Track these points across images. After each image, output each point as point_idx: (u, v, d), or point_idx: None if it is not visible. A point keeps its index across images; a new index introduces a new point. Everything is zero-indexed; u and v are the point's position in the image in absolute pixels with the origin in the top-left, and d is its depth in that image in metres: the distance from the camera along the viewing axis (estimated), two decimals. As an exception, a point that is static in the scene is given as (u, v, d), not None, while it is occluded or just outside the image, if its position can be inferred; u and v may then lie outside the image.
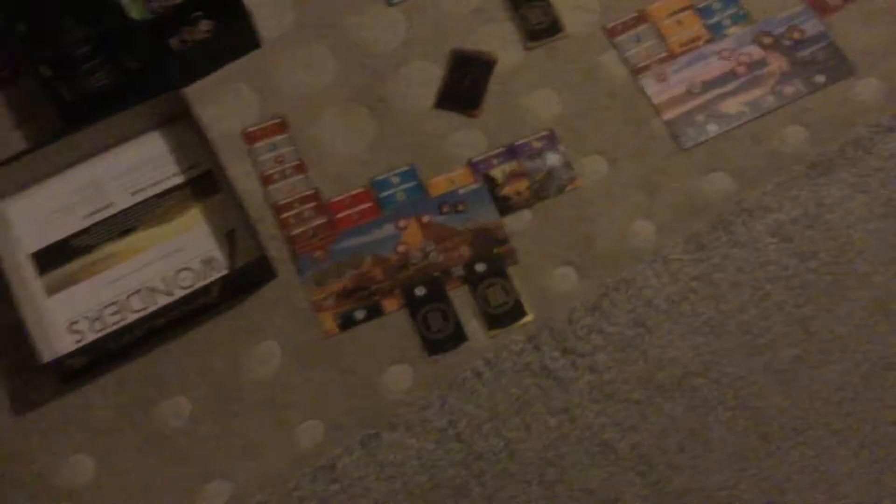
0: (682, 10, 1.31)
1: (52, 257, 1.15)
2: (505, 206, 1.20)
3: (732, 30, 1.29)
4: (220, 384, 1.11)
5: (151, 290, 1.14)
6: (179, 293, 1.12)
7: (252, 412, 1.09)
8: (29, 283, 1.13)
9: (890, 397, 1.06)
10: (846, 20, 1.28)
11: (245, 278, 1.12)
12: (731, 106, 1.24)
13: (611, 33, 1.30)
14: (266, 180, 1.22)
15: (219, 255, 1.16)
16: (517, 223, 1.18)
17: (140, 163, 1.21)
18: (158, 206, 1.19)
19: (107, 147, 1.21)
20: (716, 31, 1.29)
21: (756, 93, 1.25)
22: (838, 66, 1.25)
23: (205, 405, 1.10)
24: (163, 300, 1.12)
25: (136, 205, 1.18)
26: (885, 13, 1.27)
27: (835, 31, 1.27)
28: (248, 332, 1.13)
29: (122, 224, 1.17)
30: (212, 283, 1.09)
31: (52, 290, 1.14)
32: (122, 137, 1.21)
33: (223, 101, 1.26)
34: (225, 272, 1.14)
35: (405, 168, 1.22)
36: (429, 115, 1.25)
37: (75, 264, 1.15)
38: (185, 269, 1.15)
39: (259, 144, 1.24)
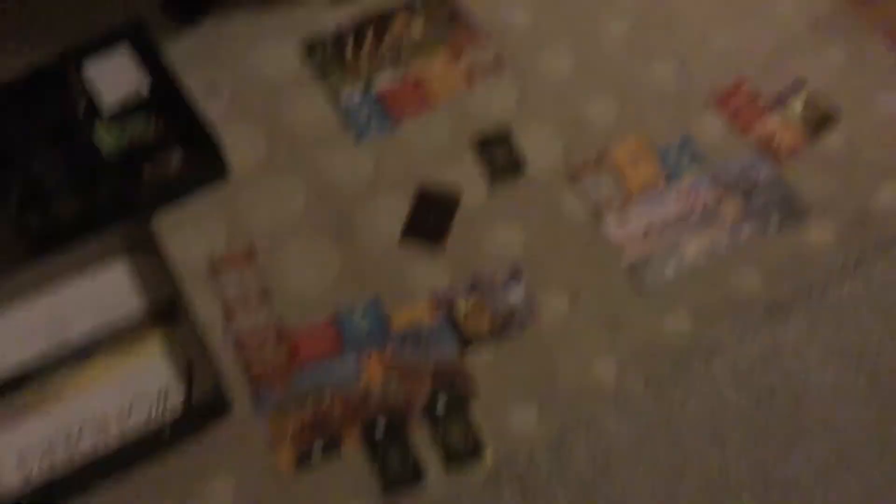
0: (640, 153, 1.36)
1: (4, 387, 1.13)
2: (467, 341, 1.20)
3: (689, 174, 1.34)
4: (170, 523, 1.07)
5: (103, 423, 1.11)
6: (132, 427, 1.10)
7: (202, 554, 1.06)
8: (-21, 414, 1.11)
9: (850, 548, 1.05)
10: (798, 167, 1.33)
11: (200, 413, 1.11)
12: (689, 248, 1.27)
13: (572, 175, 1.34)
14: (229, 311, 1.21)
15: (175, 388, 1.14)
16: (479, 358, 1.19)
17: (103, 292, 1.20)
18: (117, 336, 1.18)
19: (71, 276, 1.20)
20: (673, 175, 1.34)
21: (712, 235, 1.28)
22: (791, 212, 1.29)
23: (153, 545, 1.06)
24: (115, 437, 1.10)
25: (95, 334, 1.17)
26: (836, 160, 1.33)
27: (787, 179, 1.32)
28: (201, 470, 1.10)
29: (79, 354, 1.16)
30: (165, 425, 1.07)
31: (2, 421, 1.11)
32: (86, 266, 1.21)
33: (191, 231, 1.27)
34: (180, 404, 1.12)
35: (369, 300, 1.23)
36: (394, 249, 1.27)
37: (28, 396, 1.13)
38: (139, 402, 1.13)
39: (224, 274, 1.24)
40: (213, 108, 1.38)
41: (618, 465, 1.10)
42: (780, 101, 1.40)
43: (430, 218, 1.30)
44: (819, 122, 1.38)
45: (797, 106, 1.40)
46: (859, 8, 1.50)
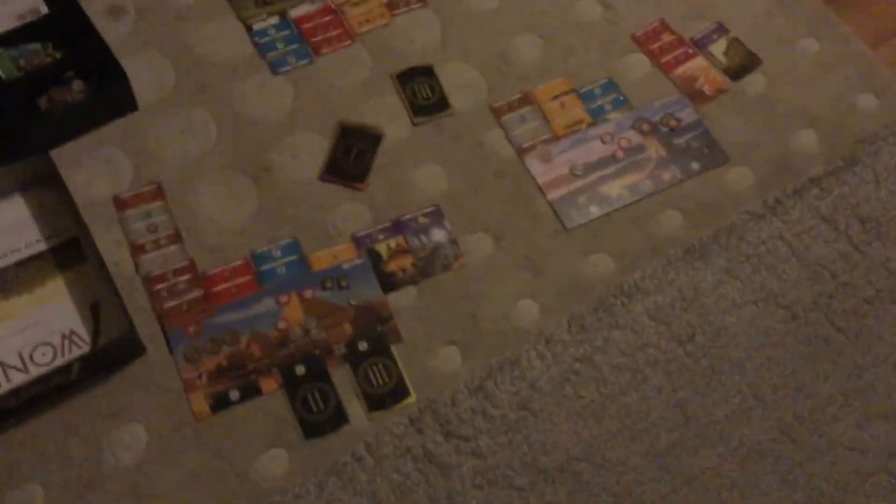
0: (565, 93, 1.34)
1: None
2: (389, 283, 1.17)
3: (613, 115, 1.33)
4: (78, 471, 1.02)
5: (5, 366, 1.05)
6: (36, 371, 1.04)
7: (113, 502, 1.01)
8: None
9: (765, 483, 1.08)
10: (720, 110, 1.33)
11: (109, 356, 1.05)
12: (612, 189, 1.27)
13: (497, 112, 1.32)
14: (137, 250, 1.15)
15: (81, 329, 1.08)
16: (402, 300, 1.16)
17: (1, 228, 1.12)
18: (18, 276, 1.10)
19: (-39, 211, 1.12)
20: (597, 116, 1.33)
21: (635, 177, 1.28)
22: (712, 155, 1.30)
23: (60, 493, 1.01)
24: (17, 378, 1.03)
25: (-8, 274, 1.09)
26: (756, 105, 1.34)
27: (709, 121, 1.32)
28: (111, 415, 1.05)
29: (-27, 295, 1.08)
30: (72, 362, 1.01)
31: None
32: (-21, 201, 1.12)
33: (94, 166, 1.20)
34: (87, 348, 1.06)
35: (287, 241, 1.18)
36: (313, 187, 1.22)
37: (-82, 339, 1.05)
38: (43, 343, 1.07)
39: (131, 212, 1.18)
40: (116, 34, 1.29)
41: (541, 406, 1.10)
42: (703, 45, 1.40)
43: (351, 156, 1.26)
44: (741, 65, 1.39)
45: (720, 49, 1.40)
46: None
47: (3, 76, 1.19)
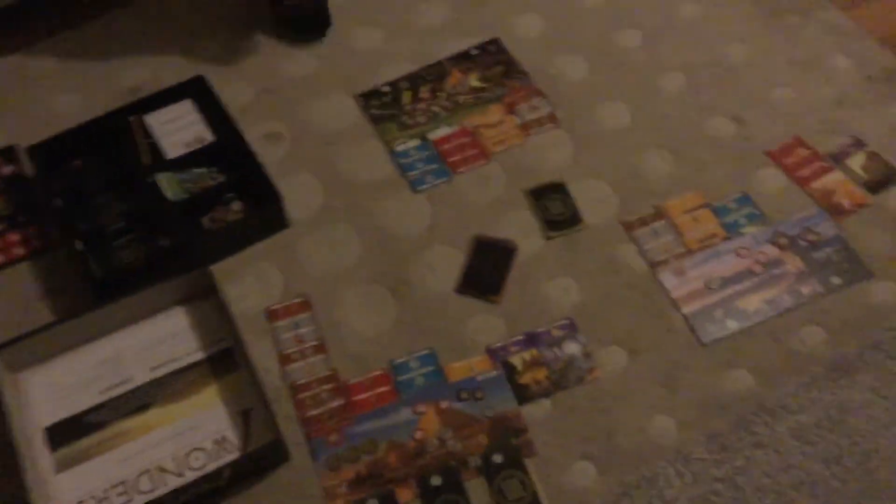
0: (698, 208, 1.35)
1: (65, 432, 1.14)
2: (524, 395, 1.19)
3: (748, 229, 1.32)
4: (224, 573, 1.06)
5: (161, 470, 1.11)
6: (190, 475, 1.10)
7: None
8: (39, 459, 1.11)
9: None
10: (860, 224, 1.31)
11: (258, 461, 1.10)
12: (750, 303, 1.25)
13: (629, 227, 1.34)
14: (285, 360, 1.22)
15: (232, 435, 1.14)
16: (536, 413, 1.17)
17: (162, 338, 1.21)
18: (176, 383, 1.18)
19: (131, 322, 1.21)
20: (732, 230, 1.32)
21: (774, 291, 1.26)
22: (854, 269, 1.27)
23: None
24: (173, 482, 1.10)
25: (154, 381, 1.18)
26: (889, 219, 1.31)
27: (849, 235, 1.30)
28: (257, 519, 1.09)
29: (138, 400, 1.16)
30: (223, 467, 1.07)
31: (62, 467, 1.12)
32: (147, 313, 1.22)
33: (249, 280, 1.28)
34: (237, 453, 1.12)
35: (425, 352, 1.22)
36: (450, 300, 1.27)
37: (88, 441, 1.13)
38: (197, 448, 1.13)
39: (281, 323, 1.25)
40: (272, 158, 1.40)
41: (680, 527, 1.07)
42: (840, 159, 1.39)
43: (486, 269, 1.30)
44: (880, 179, 1.36)
45: (857, 163, 1.38)
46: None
47: (173, 198, 1.31)
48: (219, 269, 1.27)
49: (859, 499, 1.08)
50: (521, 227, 1.35)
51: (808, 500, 1.08)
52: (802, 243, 1.30)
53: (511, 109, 1.49)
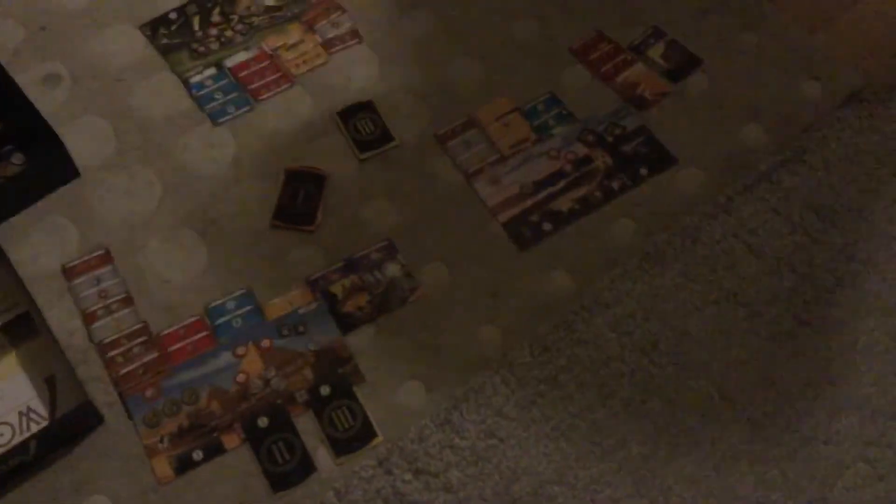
0: (508, 113, 1.34)
1: None
2: (347, 324, 1.16)
3: (558, 129, 1.32)
4: (44, 550, 1.01)
5: (-39, 452, 1.03)
6: (-5, 452, 1.02)
7: (81, 579, 0.99)
8: None
9: (741, 486, 1.06)
10: (664, 114, 1.33)
11: (66, 429, 1.04)
12: (564, 203, 1.26)
13: (441, 139, 1.31)
14: (90, 318, 1.14)
15: (39, 405, 1.07)
16: (361, 340, 1.15)
17: (-57, 310, 1.11)
18: (-33, 358, 1.09)
19: None
20: (542, 132, 1.32)
21: (585, 189, 1.27)
22: (660, 159, 1.29)
23: (28, 576, 0.99)
24: (-26, 463, 1.02)
25: (-60, 359, 1.08)
26: (700, 104, 1.34)
27: (653, 125, 1.32)
28: (74, 489, 1.04)
29: (-76, 382, 1.07)
30: (27, 440, 1.00)
31: None
32: (-79, 286, 1.11)
33: (39, 237, 1.19)
34: (45, 421, 1.05)
35: (241, 292, 1.17)
36: (263, 236, 1.21)
37: None
38: (1, 423, 1.05)
39: (80, 280, 1.16)
40: (53, 103, 1.28)
41: (509, 432, 1.08)
42: (641, 50, 1.40)
43: (299, 200, 1.25)
44: (681, 67, 1.38)
45: (658, 52, 1.40)
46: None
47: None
48: (3, 229, 1.17)
49: (676, 381, 1.11)
50: (332, 152, 1.30)
51: (628, 390, 1.12)
52: (609, 139, 1.31)
53: (311, 27, 1.41)
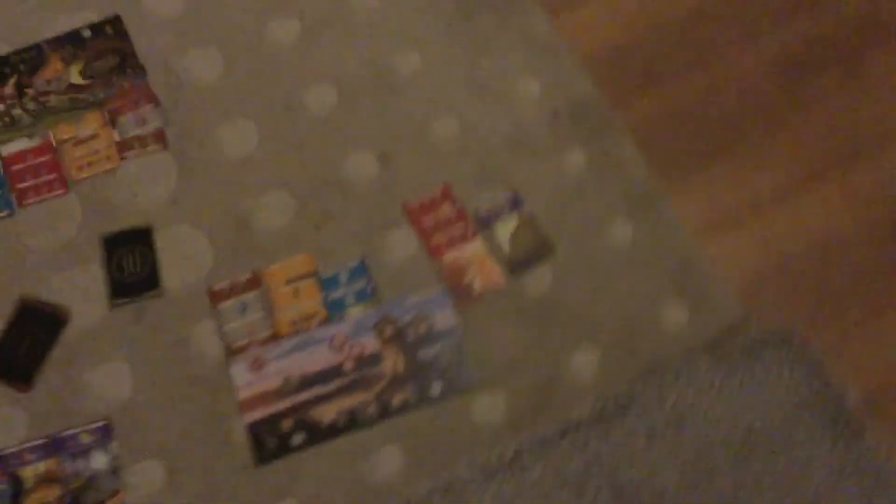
0: (303, 277, 1.11)
1: None
2: (27, 521, 0.97)
3: (355, 310, 1.10)
4: None
5: None
6: None
7: None
8: None
9: None
10: (488, 314, 1.10)
11: None
12: (327, 413, 1.04)
13: (215, 297, 1.10)
14: None
15: None
16: (36, 546, 0.96)
17: None
18: None
19: None
20: (336, 310, 1.10)
21: (359, 398, 1.05)
22: (458, 377, 1.06)
23: None
24: None
25: None
26: (534, 310, 1.10)
27: (469, 328, 1.08)
28: None
29: None
30: None
31: None
32: None
33: None
34: None
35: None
36: (-33, 385, 1.03)
37: None
38: None
39: None
40: None
41: None
42: (489, 222, 1.15)
43: (22, 347, 1.05)
44: (527, 255, 1.13)
45: (507, 230, 1.15)
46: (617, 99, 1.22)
47: None
48: None
49: None
50: (84, 288, 1.10)
51: None
52: (410, 336, 1.08)
53: (113, 120, 1.19)
